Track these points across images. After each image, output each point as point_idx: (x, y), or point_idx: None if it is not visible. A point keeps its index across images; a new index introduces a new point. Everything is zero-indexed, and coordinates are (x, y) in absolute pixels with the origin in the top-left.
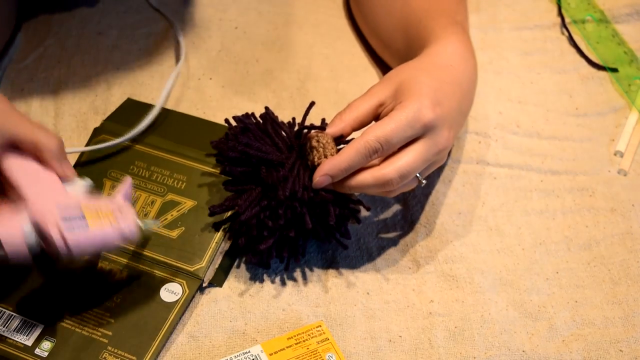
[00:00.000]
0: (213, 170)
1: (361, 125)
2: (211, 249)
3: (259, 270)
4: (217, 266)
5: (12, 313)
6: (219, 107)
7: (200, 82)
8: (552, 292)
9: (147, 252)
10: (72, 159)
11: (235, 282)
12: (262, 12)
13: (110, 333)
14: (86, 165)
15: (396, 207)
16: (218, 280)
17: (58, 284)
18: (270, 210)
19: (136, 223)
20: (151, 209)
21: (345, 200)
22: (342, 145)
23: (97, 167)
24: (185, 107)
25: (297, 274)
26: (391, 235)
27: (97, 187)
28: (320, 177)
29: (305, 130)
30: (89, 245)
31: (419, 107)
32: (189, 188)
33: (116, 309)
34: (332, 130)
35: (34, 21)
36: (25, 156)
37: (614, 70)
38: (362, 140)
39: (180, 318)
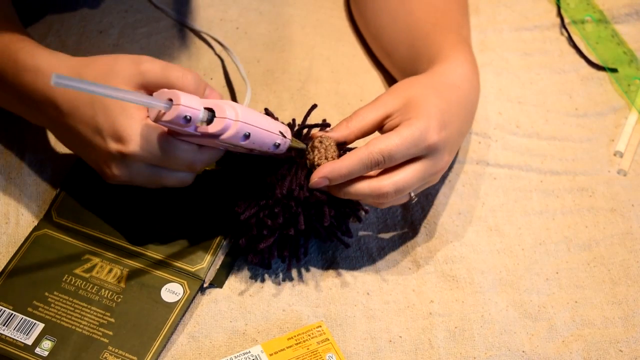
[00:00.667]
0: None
1: (365, 134)
2: (212, 250)
3: (259, 270)
4: (217, 267)
5: (12, 312)
6: None
7: None
8: (552, 292)
9: (148, 252)
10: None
11: (236, 282)
12: (263, 12)
13: (111, 333)
14: None
15: (396, 207)
16: (218, 281)
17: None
18: (269, 209)
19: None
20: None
21: (343, 201)
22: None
23: None
24: None
25: (297, 274)
26: (391, 235)
27: None
28: (319, 178)
29: (306, 130)
30: (253, 127)
31: (426, 127)
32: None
33: (117, 308)
34: (337, 135)
35: (35, 19)
36: None
37: (614, 70)
38: (366, 151)
39: (181, 318)
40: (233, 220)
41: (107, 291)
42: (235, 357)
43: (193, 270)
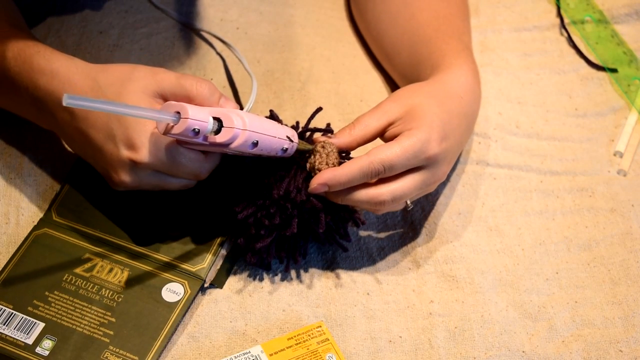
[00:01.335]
0: None
1: (368, 141)
2: (213, 250)
3: (259, 270)
4: (218, 267)
5: (12, 311)
6: None
7: None
8: (552, 292)
9: (148, 252)
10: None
11: (236, 282)
12: (263, 12)
13: (111, 332)
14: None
15: None
16: (219, 281)
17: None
18: (266, 209)
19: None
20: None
21: (340, 205)
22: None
23: None
24: None
25: (298, 274)
26: (391, 235)
27: None
28: (318, 184)
29: (309, 134)
30: (261, 134)
31: (428, 139)
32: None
33: (117, 308)
34: (339, 142)
35: (36, 20)
36: None
37: (614, 70)
38: (367, 160)
39: (182, 318)
40: (232, 219)
41: (107, 291)
42: (235, 357)
43: (194, 270)
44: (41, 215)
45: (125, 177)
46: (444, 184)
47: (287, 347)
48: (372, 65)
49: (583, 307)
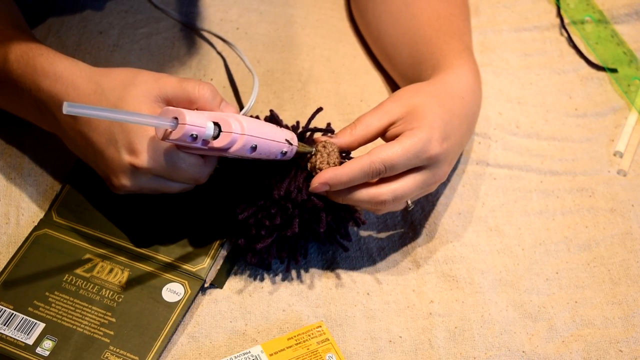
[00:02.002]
0: None
1: (369, 141)
2: (213, 250)
3: (259, 270)
4: (218, 267)
5: (13, 312)
6: None
7: None
8: (552, 292)
9: (149, 252)
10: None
11: (236, 282)
12: (263, 12)
13: (112, 332)
14: None
15: None
16: (219, 281)
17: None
18: (266, 209)
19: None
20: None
21: (341, 205)
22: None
23: None
24: None
25: (298, 274)
26: (391, 235)
27: None
28: (319, 183)
29: (309, 134)
30: (260, 138)
31: (429, 139)
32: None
33: (118, 308)
34: (341, 141)
35: (36, 20)
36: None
37: (613, 70)
38: (369, 160)
39: (182, 318)
40: (232, 219)
41: (108, 291)
42: (235, 357)
43: (194, 270)
44: (41, 215)
45: (125, 181)
46: (444, 184)
47: (287, 347)
48: (372, 66)
49: (583, 307)
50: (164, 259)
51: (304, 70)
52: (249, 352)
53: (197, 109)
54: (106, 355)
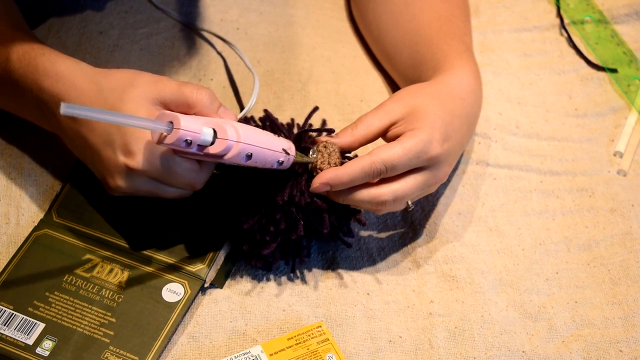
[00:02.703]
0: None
1: (370, 141)
2: (213, 250)
3: (259, 271)
4: (218, 267)
5: (13, 312)
6: None
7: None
8: (552, 292)
9: (149, 252)
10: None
11: (236, 282)
12: (263, 13)
13: (112, 333)
14: None
15: None
16: (219, 281)
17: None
18: (270, 215)
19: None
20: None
21: (343, 205)
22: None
23: None
24: None
25: (298, 274)
26: (391, 235)
27: None
28: (320, 183)
29: (309, 134)
30: (256, 147)
31: (430, 139)
32: None
33: (118, 308)
34: (342, 141)
35: (36, 20)
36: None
37: (613, 70)
38: (369, 160)
39: (182, 318)
40: (236, 227)
41: (108, 291)
42: (235, 357)
43: (194, 270)
44: (41, 215)
45: (121, 182)
46: (444, 184)
47: (287, 347)
48: (372, 66)
49: (583, 307)
50: (163, 259)
51: (304, 71)
52: (249, 352)
53: (195, 114)
54: (106, 355)
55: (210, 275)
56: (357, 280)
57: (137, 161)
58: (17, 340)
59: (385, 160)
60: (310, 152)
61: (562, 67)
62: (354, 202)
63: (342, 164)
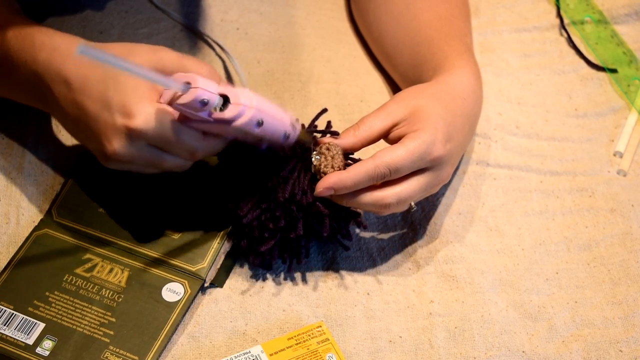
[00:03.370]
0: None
1: (372, 142)
2: (213, 250)
3: (259, 270)
4: (218, 267)
5: (13, 312)
6: None
7: None
8: (552, 292)
9: (149, 252)
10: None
11: (236, 282)
12: (263, 13)
13: (112, 332)
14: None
15: None
16: (219, 280)
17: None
18: (270, 212)
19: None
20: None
21: (344, 207)
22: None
23: None
24: None
25: (298, 274)
26: (391, 235)
27: None
28: (324, 188)
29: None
30: (266, 115)
31: (433, 140)
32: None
33: (118, 308)
34: (344, 143)
35: (36, 20)
36: None
37: (613, 70)
38: (373, 163)
39: (182, 318)
40: (235, 221)
41: (108, 291)
42: (235, 357)
43: (194, 269)
44: (41, 215)
45: (118, 146)
46: (445, 185)
47: (287, 347)
48: (372, 66)
49: (583, 307)
50: (163, 258)
51: (304, 71)
52: (249, 352)
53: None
54: (106, 355)
55: (210, 275)
56: (357, 280)
57: (138, 122)
58: (17, 340)
59: (389, 163)
60: (314, 154)
61: (562, 67)
62: (357, 204)
63: (345, 166)
